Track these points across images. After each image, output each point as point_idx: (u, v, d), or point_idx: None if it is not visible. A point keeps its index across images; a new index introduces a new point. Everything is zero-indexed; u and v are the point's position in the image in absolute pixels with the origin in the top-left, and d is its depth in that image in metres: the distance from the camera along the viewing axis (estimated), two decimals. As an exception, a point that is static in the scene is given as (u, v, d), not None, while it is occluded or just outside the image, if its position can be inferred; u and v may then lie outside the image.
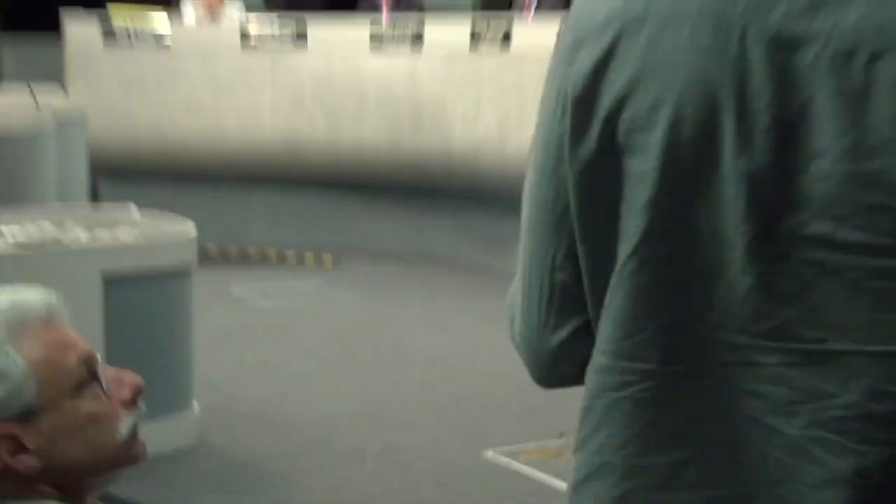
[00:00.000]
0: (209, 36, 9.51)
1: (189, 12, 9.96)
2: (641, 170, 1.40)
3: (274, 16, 9.79)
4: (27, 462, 1.61)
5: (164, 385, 4.92)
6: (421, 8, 9.27)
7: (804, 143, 1.35)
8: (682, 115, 1.38)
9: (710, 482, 1.46)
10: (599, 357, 1.51)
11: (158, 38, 9.34)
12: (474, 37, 8.25)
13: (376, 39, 8.77)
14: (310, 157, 9.03)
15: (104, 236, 5.03)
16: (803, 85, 1.34)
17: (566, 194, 1.47)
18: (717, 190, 1.37)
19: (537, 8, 8.98)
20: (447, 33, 8.50)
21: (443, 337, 6.89)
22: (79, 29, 9.45)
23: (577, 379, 1.59)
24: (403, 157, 8.68)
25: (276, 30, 9.15)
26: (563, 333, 1.56)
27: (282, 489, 4.70)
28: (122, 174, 9.24)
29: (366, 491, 4.65)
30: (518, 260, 1.61)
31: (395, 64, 8.71)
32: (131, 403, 1.75)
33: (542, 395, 5.85)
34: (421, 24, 8.70)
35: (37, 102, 6.70)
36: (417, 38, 8.61)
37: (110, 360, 4.75)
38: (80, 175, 7.80)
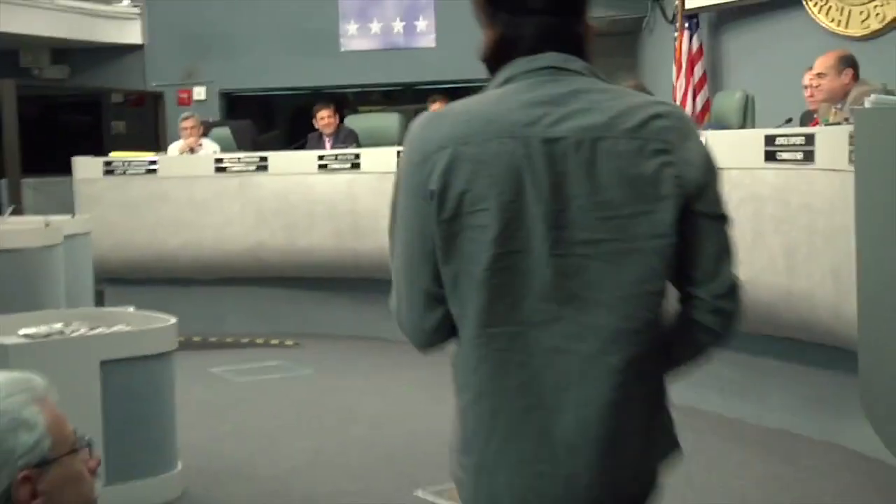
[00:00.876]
0: (189, 164, 9.47)
1: (173, 148, 10.09)
2: (484, 223, 1.95)
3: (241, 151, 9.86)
4: None
5: (153, 449, 4.92)
6: (357, 142, 9.31)
7: (567, 192, 1.95)
8: (503, 188, 1.95)
9: (538, 390, 1.98)
10: (471, 329, 2.00)
11: (149, 168, 9.34)
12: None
13: (322, 164, 8.82)
14: (272, 261, 9.02)
15: (102, 330, 5.00)
16: (562, 161, 1.95)
17: (432, 244, 1.99)
18: (528, 225, 1.95)
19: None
20: (380, 157, 8.52)
21: (382, 401, 6.87)
22: (84, 167, 9.47)
23: (441, 344, 2.11)
24: (347, 258, 8.67)
25: (243, 159, 9.17)
26: (432, 320, 2.06)
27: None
28: (122, 281, 9.21)
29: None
30: (397, 282, 2.11)
31: (337, 181, 8.72)
32: (95, 470, 1.75)
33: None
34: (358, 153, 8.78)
35: (47, 223, 6.68)
36: (356, 163, 8.66)
37: (107, 429, 4.68)
38: (87, 282, 7.76)
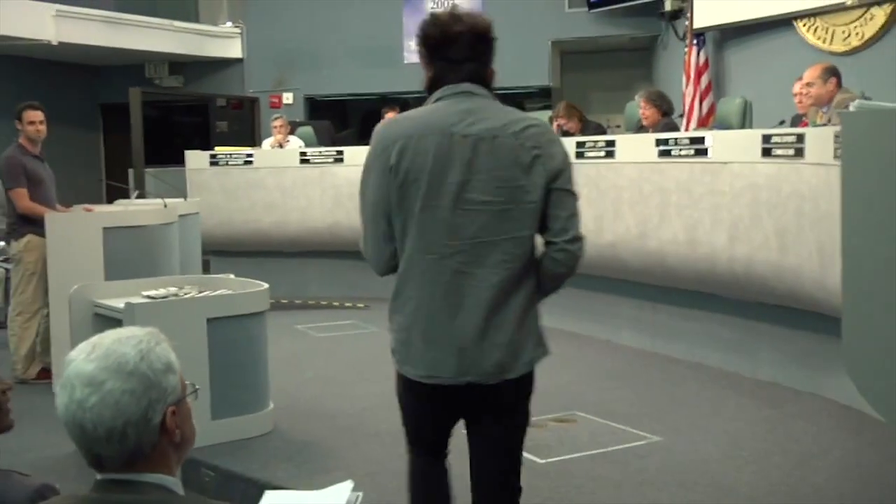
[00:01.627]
0: (279, 157, 9.47)
1: (266, 143, 10.12)
2: (419, 186, 2.56)
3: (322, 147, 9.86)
4: (178, 436, 1.59)
5: (249, 391, 4.94)
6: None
7: (474, 168, 2.56)
8: (432, 165, 2.56)
9: (446, 296, 2.58)
10: (411, 255, 2.60)
11: (246, 159, 9.36)
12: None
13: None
14: (346, 237, 8.97)
15: (208, 293, 5.05)
16: (473, 149, 2.56)
17: (388, 203, 2.60)
18: (444, 189, 2.56)
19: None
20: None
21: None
22: (194, 159, 9.50)
23: (391, 270, 2.68)
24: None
25: (323, 153, 9.16)
26: (387, 252, 2.66)
27: (329, 459, 4.64)
28: (224, 252, 9.26)
29: (383, 457, 4.55)
30: (365, 229, 2.68)
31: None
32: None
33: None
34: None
35: (165, 204, 6.71)
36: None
37: (213, 375, 4.68)
38: (196, 254, 7.82)
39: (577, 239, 2.64)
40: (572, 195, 2.64)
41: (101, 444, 1.51)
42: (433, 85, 2.71)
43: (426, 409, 2.78)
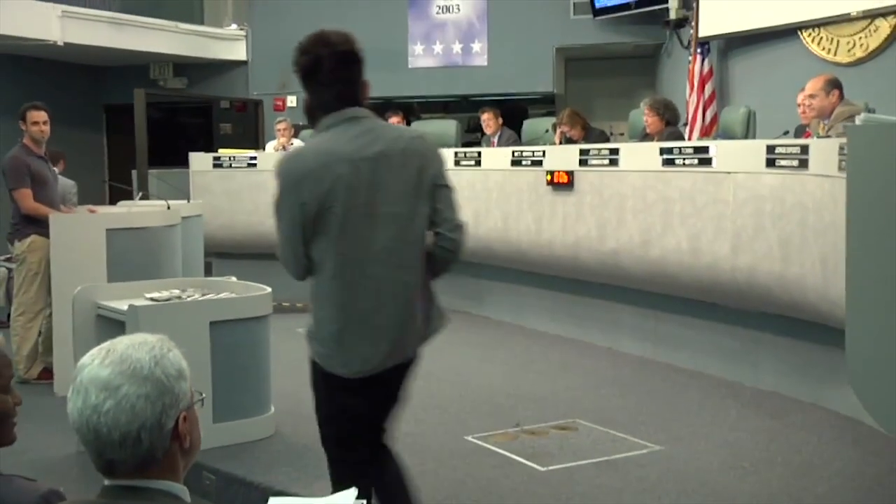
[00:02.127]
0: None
1: (270, 146, 10.13)
2: (336, 210, 2.84)
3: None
4: (188, 442, 1.61)
5: (251, 394, 4.93)
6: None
7: (380, 185, 2.88)
8: (343, 193, 2.84)
9: (367, 297, 2.91)
10: (334, 268, 2.89)
11: (250, 162, 9.37)
12: (457, 159, 8.22)
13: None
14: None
15: (211, 296, 5.02)
16: (374, 169, 2.87)
17: (301, 227, 2.88)
18: (358, 208, 2.86)
19: (499, 142, 9.02)
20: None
21: (438, 359, 6.76)
22: (198, 161, 9.51)
23: (307, 275, 2.97)
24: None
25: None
26: (304, 265, 2.95)
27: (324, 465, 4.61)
28: (226, 255, 9.26)
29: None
30: (283, 245, 2.94)
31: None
32: None
33: (502, 397, 5.79)
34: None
35: (168, 206, 6.72)
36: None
37: (215, 378, 4.67)
38: (199, 256, 7.82)
39: (459, 227, 3.04)
40: (449, 189, 3.04)
41: (115, 448, 1.51)
42: (314, 109, 2.98)
43: (363, 401, 3.06)
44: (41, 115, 6.33)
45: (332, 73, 2.91)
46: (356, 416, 3.09)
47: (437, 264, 3.04)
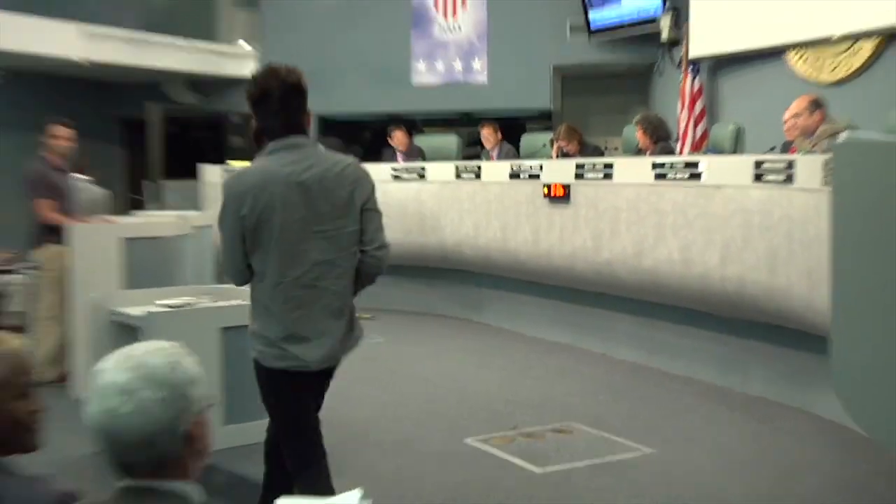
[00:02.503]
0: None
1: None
2: (272, 226, 3.11)
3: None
4: (201, 445, 1.62)
5: (259, 398, 4.88)
6: (424, 157, 9.25)
7: (313, 206, 3.13)
8: (280, 210, 3.10)
9: (302, 305, 3.18)
10: (273, 277, 3.16)
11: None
12: (458, 172, 8.23)
13: (396, 174, 8.76)
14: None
15: (221, 303, 5.02)
16: (308, 192, 3.12)
17: (242, 239, 3.14)
18: (291, 225, 3.12)
19: (498, 156, 9.01)
20: (441, 169, 8.47)
21: (438, 365, 6.84)
22: (209, 173, 9.51)
23: (247, 282, 3.26)
24: (414, 250, 8.63)
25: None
26: (244, 273, 3.23)
27: (335, 465, 4.55)
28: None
29: (386, 466, 4.57)
30: (225, 255, 3.21)
31: (407, 188, 8.68)
32: None
33: (500, 402, 5.78)
34: (424, 166, 8.72)
35: (180, 216, 6.73)
36: (422, 174, 8.61)
37: (225, 381, 4.65)
38: (209, 264, 7.79)
39: (384, 247, 3.29)
40: (378, 213, 3.28)
41: (131, 450, 1.51)
42: (259, 134, 3.25)
43: (303, 394, 3.36)
44: (66, 132, 6.38)
45: (279, 103, 3.15)
46: (294, 408, 3.39)
47: (363, 278, 3.31)
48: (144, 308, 4.69)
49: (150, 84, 12.89)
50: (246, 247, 3.15)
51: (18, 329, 7.53)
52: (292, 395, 3.32)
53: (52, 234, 6.19)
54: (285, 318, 3.18)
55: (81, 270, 5.86)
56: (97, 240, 6.00)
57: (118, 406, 1.50)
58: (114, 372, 1.53)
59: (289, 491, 3.37)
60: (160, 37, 11.85)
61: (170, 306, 4.86)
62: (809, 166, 4.87)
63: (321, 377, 3.36)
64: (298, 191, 3.12)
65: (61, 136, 6.33)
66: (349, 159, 3.32)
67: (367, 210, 3.23)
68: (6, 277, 8.47)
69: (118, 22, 11.80)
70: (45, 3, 11.02)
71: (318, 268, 3.17)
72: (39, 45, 10.40)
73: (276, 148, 3.17)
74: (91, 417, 1.53)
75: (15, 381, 1.81)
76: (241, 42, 13.00)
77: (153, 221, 6.87)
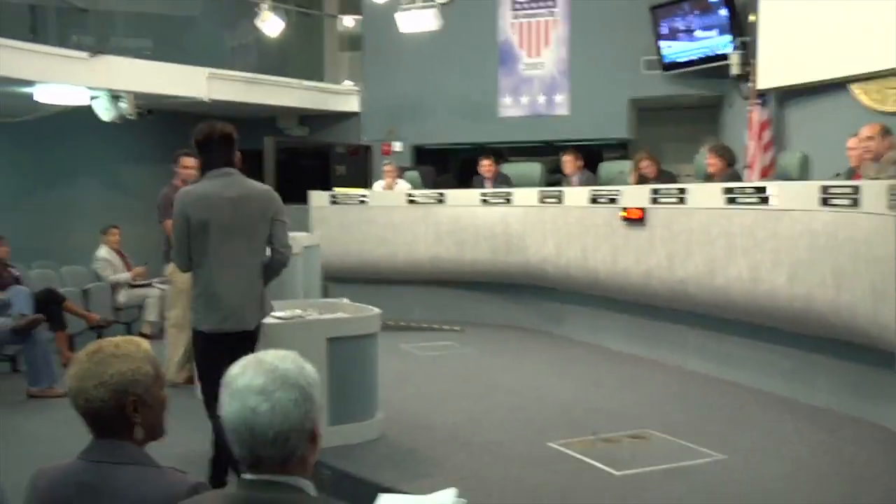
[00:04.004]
0: (389, 197, 9.58)
1: (377, 185, 10.22)
2: (206, 230, 3.94)
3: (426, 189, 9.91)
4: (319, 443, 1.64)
5: (361, 401, 4.98)
6: (510, 184, 9.25)
7: (235, 216, 3.98)
8: (212, 218, 3.95)
9: (224, 283, 4.00)
10: (209, 264, 3.98)
11: (361, 199, 9.48)
12: (541, 197, 8.21)
13: (484, 199, 8.78)
14: (446, 268, 9.06)
15: (328, 316, 5.09)
16: (233, 206, 3.98)
17: (188, 237, 3.97)
18: (221, 229, 3.96)
19: (578, 182, 8.95)
20: (526, 195, 8.46)
21: (521, 374, 6.80)
22: (317, 198, 9.65)
23: (190, 269, 4.07)
24: (500, 268, 8.64)
25: (427, 194, 9.22)
26: (185, 261, 4.03)
27: (430, 466, 4.62)
28: (340, 279, 9.36)
29: (475, 467, 4.55)
30: (176, 247, 4.06)
31: (495, 212, 8.68)
32: None
33: (580, 409, 5.71)
34: (510, 191, 8.71)
35: (292, 238, 6.83)
36: (509, 198, 8.61)
37: (331, 387, 4.72)
38: (317, 280, 7.92)
39: (287, 247, 4.15)
40: (284, 223, 4.13)
41: (267, 446, 1.55)
42: (203, 166, 4.17)
43: (220, 352, 3.83)
44: (192, 161, 6.54)
45: (216, 146, 4.06)
46: (213, 360, 3.85)
47: (271, 270, 4.16)
48: (263, 320, 4.77)
49: (266, 119, 13.22)
50: (189, 242, 4.00)
51: (150, 337, 7.77)
52: (210, 350, 4.01)
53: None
54: (210, 293, 4.01)
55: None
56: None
57: (257, 405, 1.54)
58: (251, 375, 1.58)
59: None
60: (275, 78, 12.14)
61: (282, 318, 4.96)
62: (875, 191, 4.72)
63: (237, 339, 4.00)
64: (228, 204, 3.98)
65: (188, 166, 6.52)
66: (265, 187, 4.20)
67: (276, 220, 4.09)
68: (143, 290, 8.77)
69: (239, 66, 12.15)
70: (177, 52, 11.43)
71: (238, 258, 4.03)
72: (173, 87, 10.79)
73: (214, 175, 4.05)
74: (230, 415, 1.57)
75: (160, 374, 1.90)
76: (346, 81, 13.23)
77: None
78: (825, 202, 5.16)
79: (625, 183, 8.14)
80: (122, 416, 1.83)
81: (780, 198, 5.62)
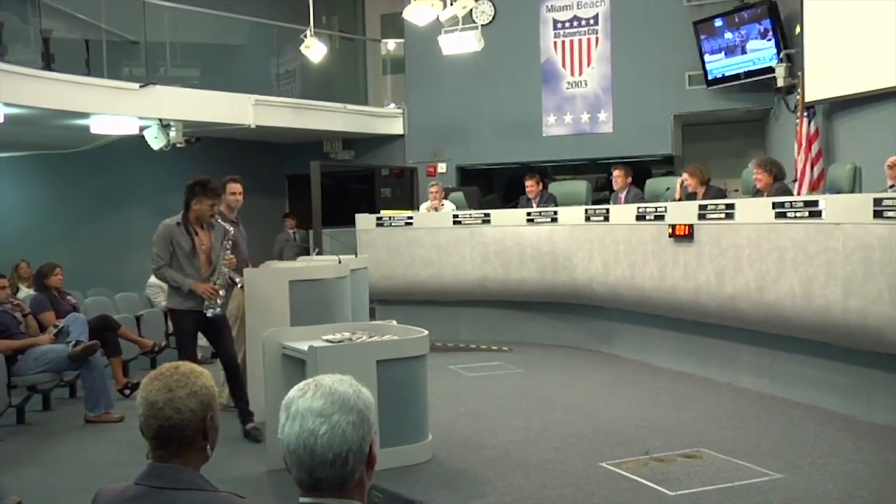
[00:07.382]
0: (435, 219, 9.59)
1: (423, 207, 10.24)
2: (182, 251, 5.63)
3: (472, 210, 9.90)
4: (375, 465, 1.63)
5: (411, 423, 4.95)
6: (555, 202, 9.21)
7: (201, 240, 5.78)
8: (180, 243, 5.65)
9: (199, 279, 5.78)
10: (183, 270, 5.67)
11: (407, 221, 9.51)
12: (587, 215, 8.17)
13: (530, 218, 8.76)
14: (493, 288, 9.03)
15: (377, 338, 5.09)
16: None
17: (169, 254, 5.60)
18: (188, 253, 5.66)
19: (626, 199, 8.90)
20: (572, 213, 8.42)
21: (573, 393, 6.73)
22: (363, 221, 9.70)
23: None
24: (547, 287, 8.59)
25: (473, 215, 9.22)
26: (165, 271, 5.69)
27: (482, 486, 4.58)
28: (388, 301, 9.39)
29: (529, 487, 4.49)
30: (156, 261, 5.62)
31: (541, 231, 8.65)
32: None
33: (632, 428, 5.63)
34: (556, 210, 8.68)
35: (339, 260, 6.87)
36: (555, 217, 8.58)
37: (381, 409, 4.74)
38: (365, 302, 7.94)
39: (246, 264, 6.09)
40: (238, 247, 6.03)
41: (326, 467, 1.55)
42: (187, 202, 5.70)
43: (194, 328, 5.72)
44: (237, 187, 6.60)
45: (202, 192, 5.65)
46: (188, 330, 5.72)
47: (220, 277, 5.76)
48: (310, 342, 4.81)
49: (312, 144, 13.37)
50: (168, 258, 5.59)
51: (202, 362, 7.86)
52: (185, 323, 5.69)
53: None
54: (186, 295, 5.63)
55: (255, 310, 6.07)
56: (268, 283, 6.21)
57: (316, 428, 1.55)
58: (308, 399, 1.59)
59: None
60: (319, 103, 12.29)
61: (332, 341, 4.98)
62: (929, 203, 4.61)
63: (206, 319, 5.67)
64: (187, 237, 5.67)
65: (234, 192, 6.57)
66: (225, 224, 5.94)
67: (229, 247, 5.80)
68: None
69: (284, 92, 12.32)
70: (224, 80, 11.64)
71: (200, 269, 5.64)
72: (220, 114, 10.99)
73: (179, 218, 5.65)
74: (289, 438, 1.58)
75: (214, 395, 1.92)
76: (390, 104, 13.34)
77: (316, 265, 7.06)
78: (879, 214, 5.06)
79: (672, 199, 8.07)
80: (202, 431, 1.86)
81: (831, 211, 5.52)
